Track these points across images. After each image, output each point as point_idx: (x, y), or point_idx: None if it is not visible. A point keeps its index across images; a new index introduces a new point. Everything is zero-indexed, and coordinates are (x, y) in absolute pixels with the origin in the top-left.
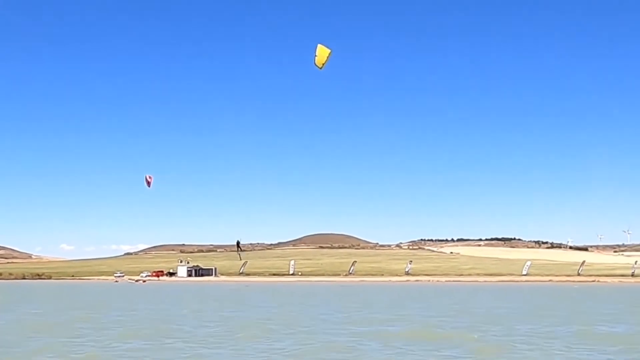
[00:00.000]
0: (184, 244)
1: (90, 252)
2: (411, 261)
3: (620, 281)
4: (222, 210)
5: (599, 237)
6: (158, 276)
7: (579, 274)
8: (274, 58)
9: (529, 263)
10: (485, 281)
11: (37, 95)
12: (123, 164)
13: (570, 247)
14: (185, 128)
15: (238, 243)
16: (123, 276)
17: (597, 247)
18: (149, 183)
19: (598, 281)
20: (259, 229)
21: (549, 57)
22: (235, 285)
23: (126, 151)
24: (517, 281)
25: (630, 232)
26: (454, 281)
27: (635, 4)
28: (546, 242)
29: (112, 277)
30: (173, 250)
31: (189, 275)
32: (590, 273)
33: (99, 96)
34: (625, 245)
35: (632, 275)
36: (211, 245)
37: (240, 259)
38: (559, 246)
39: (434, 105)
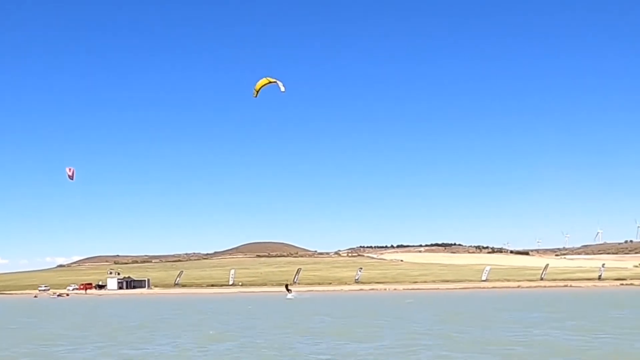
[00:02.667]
0: (118, 255)
1: (24, 265)
2: (361, 268)
3: (595, 285)
4: (157, 219)
5: (537, 241)
6: (86, 289)
7: (542, 279)
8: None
9: (488, 268)
10: (447, 289)
11: None
12: (58, 174)
13: (511, 252)
14: (119, 137)
15: (287, 286)
16: (48, 290)
17: (537, 251)
18: (70, 177)
19: (571, 286)
20: (195, 238)
21: (492, 61)
22: (169, 298)
23: (61, 161)
24: (483, 288)
25: (568, 235)
26: (412, 289)
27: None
28: (487, 247)
29: (35, 291)
30: (107, 261)
31: (120, 287)
32: (553, 277)
33: (30, 104)
34: (567, 249)
35: (599, 278)
36: (146, 255)
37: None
38: (500, 251)
39: (369, 111)
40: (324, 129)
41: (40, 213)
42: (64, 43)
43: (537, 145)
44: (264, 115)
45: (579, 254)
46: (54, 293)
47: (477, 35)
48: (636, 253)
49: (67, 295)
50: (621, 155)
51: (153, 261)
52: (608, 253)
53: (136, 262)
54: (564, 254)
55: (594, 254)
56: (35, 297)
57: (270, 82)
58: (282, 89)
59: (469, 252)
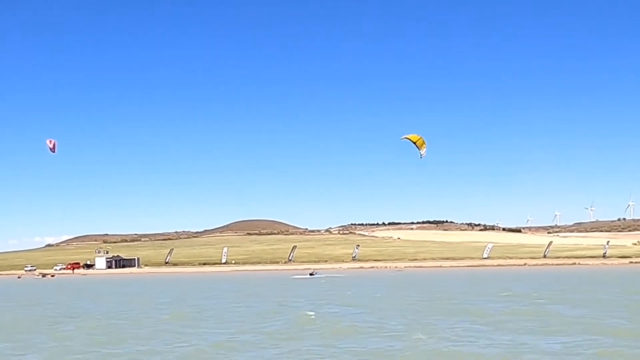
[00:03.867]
0: (107, 234)
1: (13, 245)
2: (358, 246)
3: (603, 263)
4: (146, 198)
5: (528, 219)
6: (73, 269)
7: (545, 256)
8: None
9: (490, 246)
10: (451, 266)
11: None
12: (47, 153)
13: (504, 229)
14: (107, 115)
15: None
16: (34, 270)
17: (529, 228)
18: (52, 149)
19: (579, 263)
20: (184, 216)
21: (482, 41)
22: (161, 277)
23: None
24: (488, 265)
25: (559, 213)
26: (414, 267)
27: None
28: (479, 225)
29: (21, 272)
30: (96, 240)
31: (109, 266)
32: (557, 255)
33: (14, 80)
34: (559, 227)
35: (604, 256)
36: (135, 234)
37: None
38: (492, 228)
39: (359, 88)
40: (314, 107)
41: (29, 192)
42: (44, 19)
43: (527, 123)
44: (253, 93)
45: (571, 231)
46: (39, 273)
47: (466, 18)
48: (629, 231)
49: (53, 275)
50: (612, 132)
51: (142, 240)
52: (601, 231)
53: (125, 240)
54: (557, 232)
55: (587, 231)
56: (19, 277)
57: (416, 142)
58: (423, 154)
59: (461, 230)
